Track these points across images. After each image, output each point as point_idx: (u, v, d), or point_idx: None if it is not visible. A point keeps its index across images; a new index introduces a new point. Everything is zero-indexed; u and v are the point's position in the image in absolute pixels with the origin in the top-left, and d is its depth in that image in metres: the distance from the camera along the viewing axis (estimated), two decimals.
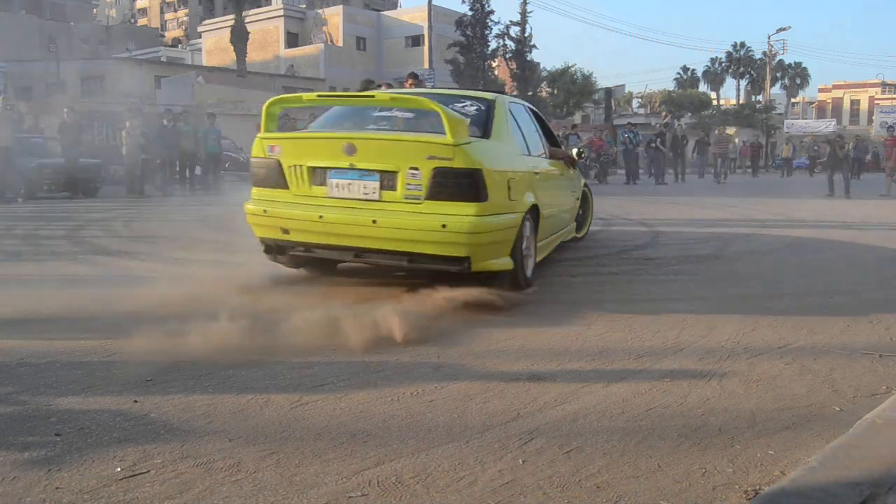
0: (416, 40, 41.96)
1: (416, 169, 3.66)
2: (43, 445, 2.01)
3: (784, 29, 54.42)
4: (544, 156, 5.08)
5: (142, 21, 70.45)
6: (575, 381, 2.65)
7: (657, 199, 13.64)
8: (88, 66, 34.61)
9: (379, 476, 1.85)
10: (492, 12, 36.83)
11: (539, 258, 4.60)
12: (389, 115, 4.40)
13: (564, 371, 2.79)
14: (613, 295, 4.31)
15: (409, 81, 8.89)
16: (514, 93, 38.14)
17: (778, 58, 53.49)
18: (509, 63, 37.94)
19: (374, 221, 3.69)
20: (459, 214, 3.60)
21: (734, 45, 58.25)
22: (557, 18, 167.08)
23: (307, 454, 1.97)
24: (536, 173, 4.55)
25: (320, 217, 3.81)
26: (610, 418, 2.29)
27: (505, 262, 3.87)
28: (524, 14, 37.30)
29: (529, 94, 37.89)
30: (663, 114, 33.65)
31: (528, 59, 38.15)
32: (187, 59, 51.14)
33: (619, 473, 1.89)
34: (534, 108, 5.59)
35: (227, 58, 38.70)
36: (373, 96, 4.27)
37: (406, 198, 3.70)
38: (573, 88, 38.66)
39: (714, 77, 60.24)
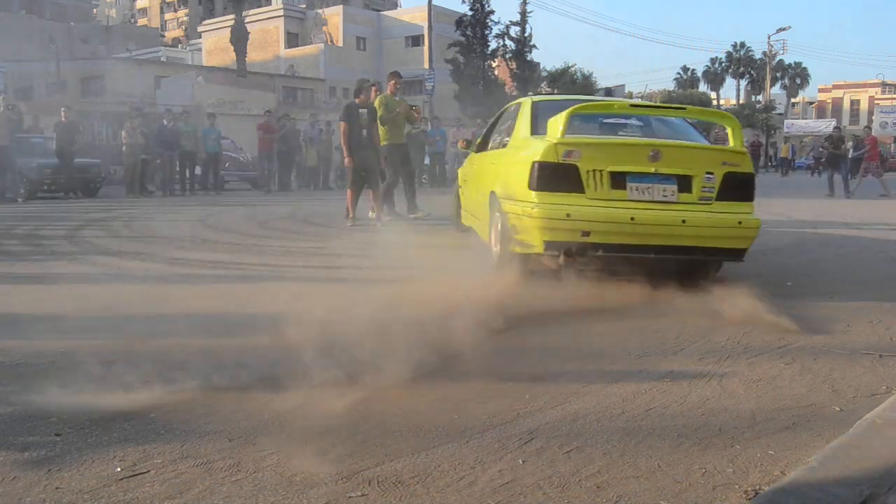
0: (416, 40, 42.01)
1: (711, 173, 4.18)
2: (43, 445, 2.01)
3: (784, 29, 54.61)
4: None
5: (142, 21, 70.49)
6: (575, 381, 2.65)
7: None
8: (88, 66, 34.61)
9: (379, 476, 1.85)
10: (492, 12, 36.86)
11: None
12: (627, 122, 4.95)
13: (564, 371, 2.79)
14: (612, 295, 4.30)
15: (393, 81, 8.83)
16: (515, 93, 38.20)
17: (778, 58, 53.58)
18: (509, 63, 37.96)
19: (684, 221, 4.07)
20: (745, 213, 4.23)
21: (734, 45, 58.44)
22: (557, 18, 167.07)
23: (307, 454, 1.97)
24: None
25: (632, 219, 4.03)
26: (610, 418, 2.29)
27: None
28: (524, 14, 37.34)
29: (529, 93, 37.86)
30: None
31: (528, 59, 38.16)
32: (187, 59, 51.15)
33: (619, 473, 1.89)
34: None
35: (227, 58, 38.71)
36: (684, 108, 4.71)
37: (700, 199, 4.18)
38: (573, 88, 38.64)
39: (714, 77, 60.31)
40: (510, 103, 6.36)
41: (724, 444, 2.09)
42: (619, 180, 4.13)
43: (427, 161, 19.47)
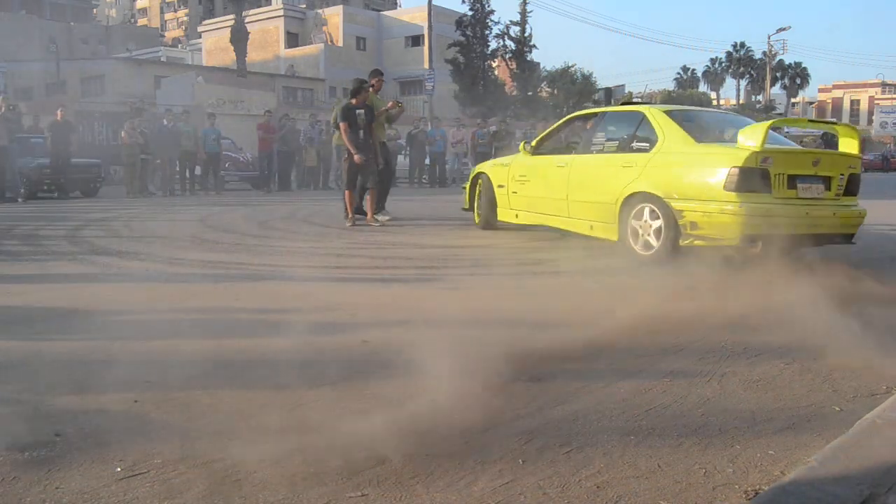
0: (416, 40, 41.99)
1: (843, 174, 5.23)
2: (43, 445, 2.01)
3: (784, 29, 54.71)
4: None
5: (142, 21, 70.48)
6: (575, 381, 2.65)
7: None
8: (88, 66, 34.60)
9: (379, 476, 1.85)
10: (492, 12, 36.88)
11: None
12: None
13: (564, 371, 2.79)
14: (612, 295, 4.30)
15: (375, 80, 8.79)
16: (515, 93, 38.23)
17: (778, 58, 53.63)
18: (509, 63, 37.96)
19: (834, 213, 5.13)
20: (856, 205, 5.34)
21: (734, 45, 58.41)
22: (557, 18, 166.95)
23: (307, 454, 1.97)
24: None
25: (807, 213, 4.95)
26: (610, 418, 2.29)
27: None
28: (524, 14, 37.35)
29: (529, 93, 37.88)
30: None
31: (528, 59, 38.15)
32: (187, 59, 51.16)
33: (619, 473, 1.89)
34: None
35: (227, 58, 38.70)
36: (834, 122, 5.99)
37: (835, 195, 5.20)
38: (573, 88, 38.66)
39: (714, 77, 60.31)
40: (598, 110, 6.87)
41: (724, 444, 2.09)
42: (791, 182, 4.97)
43: (427, 161, 19.49)
